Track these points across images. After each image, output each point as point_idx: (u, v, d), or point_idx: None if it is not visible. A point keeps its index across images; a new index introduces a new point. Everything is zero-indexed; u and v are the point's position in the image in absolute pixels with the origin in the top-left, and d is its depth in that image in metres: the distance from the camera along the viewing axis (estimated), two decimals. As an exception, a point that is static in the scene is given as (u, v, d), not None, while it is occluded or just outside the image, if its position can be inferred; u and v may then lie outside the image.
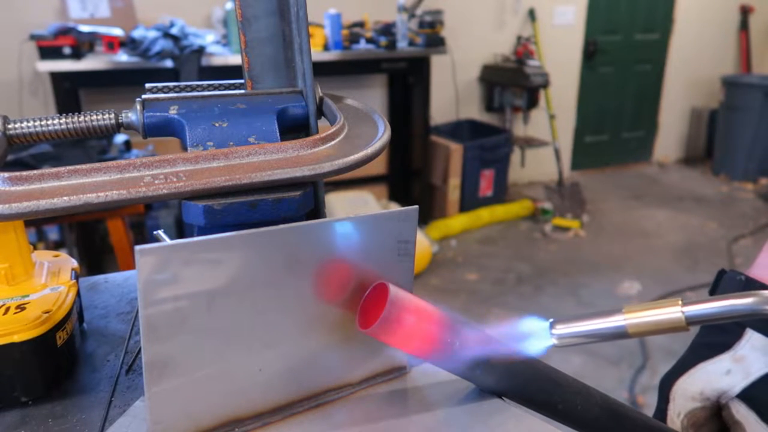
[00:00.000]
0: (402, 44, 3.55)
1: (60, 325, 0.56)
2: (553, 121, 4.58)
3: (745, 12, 5.63)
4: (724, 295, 0.43)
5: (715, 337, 0.59)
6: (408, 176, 4.08)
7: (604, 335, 0.45)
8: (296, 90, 0.60)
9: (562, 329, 0.46)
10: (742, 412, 0.55)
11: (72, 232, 3.03)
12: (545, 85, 4.16)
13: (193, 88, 0.61)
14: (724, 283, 0.60)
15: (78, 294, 0.65)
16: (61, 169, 0.46)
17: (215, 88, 0.63)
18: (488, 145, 4.12)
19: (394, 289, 0.44)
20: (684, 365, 0.59)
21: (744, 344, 0.56)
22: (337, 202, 3.58)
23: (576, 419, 0.51)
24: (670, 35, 5.42)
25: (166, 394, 0.43)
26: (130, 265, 2.29)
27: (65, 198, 0.44)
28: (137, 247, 0.39)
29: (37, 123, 0.54)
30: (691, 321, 0.43)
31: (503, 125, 4.54)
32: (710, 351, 0.58)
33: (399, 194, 4.17)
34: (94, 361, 0.62)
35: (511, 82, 4.28)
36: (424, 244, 3.41)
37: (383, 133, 0.57)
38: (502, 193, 4.33)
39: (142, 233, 3.17)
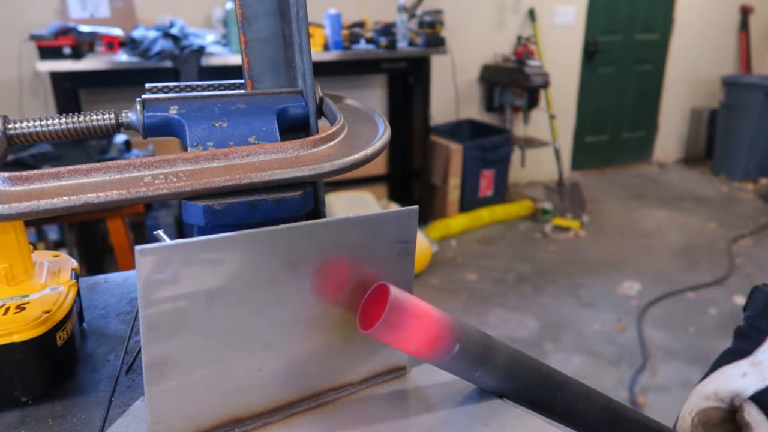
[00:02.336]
0: (402, 44, 3.55)
1: (60, 325, 0.56)
2: (553, 121, 4.58)
3: (745, 12, 5.63)
4: None
5: (740, 345, 0.60)
6: (408, 176, 4.08)
7: None
8: (296, 90, 0.60)
9: None
10: (753, 415, 0.55)
11: (72, 232, 3.03)
12: (545, 85, 4.16)
13: (193, 88, 0.61)
14: (754, 296, 0.62)
15: (78, 294, 0.65)
16: (61, 169, 0.46)
17: (215, 88, 0.63)
18: (488, 145, 4.12)
19: (394, 290, 0.44)
20: (708, 371, 0.60)
21: (764, 350, 0.57)
22: (337, 202, 3.58)
23: (578, 420, 0.51)
24: (670, 35, 5.42)
25: (166, 394, 0.43)
26: (130, 265, 2.28)
27: (65, 198, 0.44)
28: (137, 247, 0.39)
29: (37, 123, 0.54)
30: None
31: (503, 125, 4.54)
32: (733, 357, 0.60)
33: (399, 194, 4.17)
34: (94, 361, 0.62)
35: (511, 82, 4.28)
36: (424, 244, 3.41)
37: (383, 133, 0.57)
38: (502, 193, 4.33)
39: (142, 233, 3.17)
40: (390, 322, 0.43)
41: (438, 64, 4.16)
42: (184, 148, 0.54)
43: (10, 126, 0.53)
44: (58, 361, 0.57)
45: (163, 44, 2.89)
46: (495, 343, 0.49)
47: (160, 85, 0.60)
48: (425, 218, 4.02)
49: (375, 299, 0.46)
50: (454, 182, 4.01)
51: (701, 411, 0.58)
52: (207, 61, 3.01)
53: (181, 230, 2.82)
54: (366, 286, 0.48)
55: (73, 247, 3.04)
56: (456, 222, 3.98)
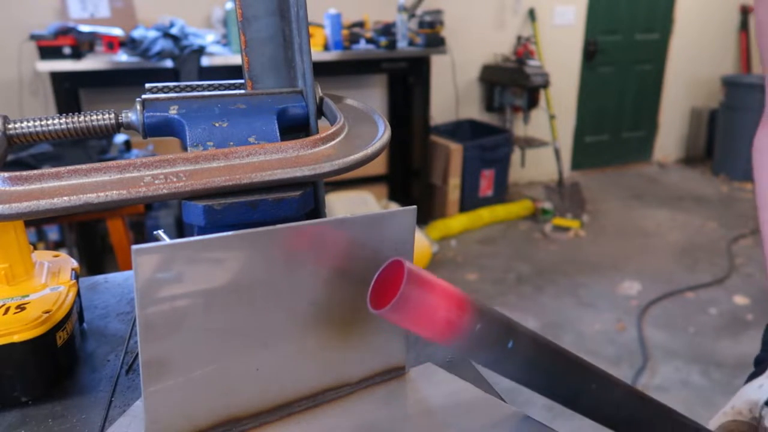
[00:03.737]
0: (402, 44, 3.55)
1: (60, 325, 0.56)
2: (553, 121, 4.58)
3: (745, 12, 5.62)
4: None
5: (758, 369, 0.65)
6: (408, 176, 4.08)
7: None
8: (296, 90, 0.60)
9: None
10: None
11: (72, 232, 3.03)
12: (545, 85, 4.16)
13: (193, 88, 0.61)
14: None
15: (78, 294, 0.65)
16: (61, 169, 0.46)
17: (215, 88, 0.63)
18: (488, 145, 4.12)
19: (410, 265, 0.40)
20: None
21: None
22: (337, 202, 3.58)
23: (606, 416, 0.48)
24: (670, 35, 5.42)
25: (163, 393, 0.43)
26: (130, 265, 2.28)
27: (65, 198, 0.44)
28: (134, 247, 0.39)
29: (37, 123, 0.54)
30: None
31: (503, 125, 4.54)
32: (752, 379, 0.63)
33: (399, 194, 4.17)
34: (94, 361, 0.62)
35: (511, 82, 4.28)
36: (424, 244, 3.41)
37: (383, 133, 0.57)
38: (502, 193, 4.33)
39: (142, 233, 3.17)
40: (406, 299, 0.38)
41: (438, 64, 4.16)
42: (184, 148, 0.54)
43: (10, 126, 0.53)
44: (58, 361, 0.57)
45: (163, 44, 2.89)
46: (518, 326, 0.45)
47: (160, 85, 0.60)
48: (425, 218, 4.02)
49: (388, 277, 0.42)
50: (454, 182, 4.01)
51: (722, 426, 0.59)
52: (207, 61, 3.01)
53: (181, 230, 2.82)
54: (365, 286, 0.48)
55: (73, 247, 3.04)
56: (456, 222, 3.98)
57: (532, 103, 4.27)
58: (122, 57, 2.98)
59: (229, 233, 0.43)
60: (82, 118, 0.55)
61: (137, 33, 2.98)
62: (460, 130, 4.45)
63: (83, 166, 0.47)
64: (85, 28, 2.95)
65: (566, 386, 0.47)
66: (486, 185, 4.21)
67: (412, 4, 3.77)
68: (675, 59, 5.50)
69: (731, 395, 0.60)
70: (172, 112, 0.55)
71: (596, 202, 4.62)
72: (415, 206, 0.51)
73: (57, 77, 2.94)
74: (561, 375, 0.46)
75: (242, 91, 0.61)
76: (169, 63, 2.92)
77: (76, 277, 0.66)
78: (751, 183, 5.06)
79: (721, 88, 5.25)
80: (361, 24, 3.68)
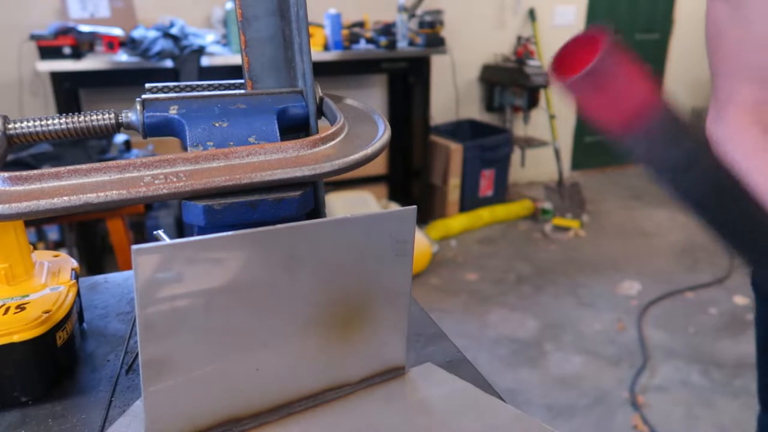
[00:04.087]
0: (402, 44, 3.55)
1: (60, 325, 0.57)
2: (553, 121, 4.58)
3: (745, 12, 5.62)
4: None
5: None
6: (408, 176, 4.08)
7: None
8: (296, 90, 0.60)
9: None
10: None
11: (72, 232, 3.03)
12: (545, 85, 4.16)
13: (193, 88, 0.61)
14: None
15: (78, 294, 0.65)
16: (61, 169, 0.46)
17: (215, 88, 0.63)
18: (488, 145, 4.12)
19: (610, 34, 0.33)
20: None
21: None
22: (337, 202, 3.58)
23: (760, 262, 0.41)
24: (670, 35, 5.42)
25: (163, 393, 0.43)
26: (130, 265, 2.28)
27: (65, 198, 0.44)
28: (134, 247, 0.39)
29: (37, 123, 0.54)
30: None
31: (503, 125, 4.54)
32: None
33: (399, 194, 4.17)
34: (94, 361, 0.62)
35: (511, 82, 4.28)
36: (424, 244, 3.41)
37: (383, 133, 0.57)
38: (502, 193, 4.33)
39: (142, 233, 3.17)
40: (601, 68, 0.31)
41: (438, 64, 4.16)
42: (184, 148, 0.54)
43: (10, 126, 0.53)
44: (58, 361, 0.57)
45: (163, 44, 2.89)
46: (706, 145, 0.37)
47: (160, 85, 0.60)
48: (425, 218, 4.02)
49: (579, 48, 0.34)
50: (454, 182, 4.01)
51: None
52: (207, 61, 3.01)
53: (181, 230, 2.82)
54: (365, 286, 0.48)
55: (73, 247, 3.04)
56: (456, 222, 3.98)
57: (532, 103, 4.27)
58: (122, 57, 2.98)
59: (229, 233, 0.43)
60: (82, 118, 0.55)
61: (137, 33, 2.98)
62: (460, 130, 4.45)
63: (83, 166, 0.47)
64: (85, 28, 2.95)
65: (739, 216, 0.39)
66: (486, 185, 4.21)
67: (412, 4, 3.77)
68: (675, 59, 5.50)
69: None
70: (172, 112, 0.55)
71: (596, 202, 4.61)
72: (415, 206, 0.51)
73: (57, 77, 2.94)
74: (737, 201, 0.38)
75: (242, 91, 0.61)
76: (169, 63, 2.92)
77: (76, 277, 0.66)
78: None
79: (721, 88, 5.24)
80: (361, 24, 3.68)
